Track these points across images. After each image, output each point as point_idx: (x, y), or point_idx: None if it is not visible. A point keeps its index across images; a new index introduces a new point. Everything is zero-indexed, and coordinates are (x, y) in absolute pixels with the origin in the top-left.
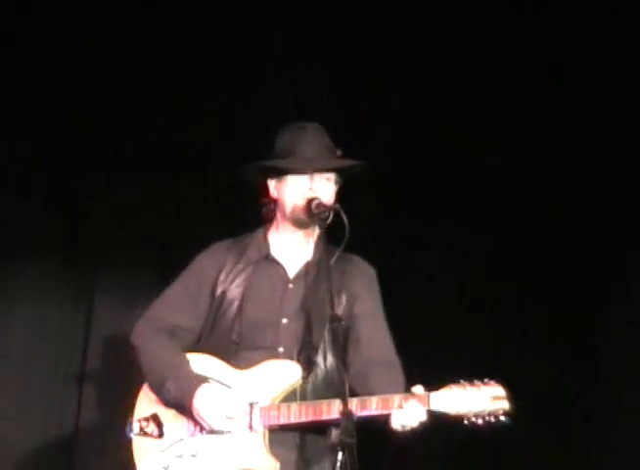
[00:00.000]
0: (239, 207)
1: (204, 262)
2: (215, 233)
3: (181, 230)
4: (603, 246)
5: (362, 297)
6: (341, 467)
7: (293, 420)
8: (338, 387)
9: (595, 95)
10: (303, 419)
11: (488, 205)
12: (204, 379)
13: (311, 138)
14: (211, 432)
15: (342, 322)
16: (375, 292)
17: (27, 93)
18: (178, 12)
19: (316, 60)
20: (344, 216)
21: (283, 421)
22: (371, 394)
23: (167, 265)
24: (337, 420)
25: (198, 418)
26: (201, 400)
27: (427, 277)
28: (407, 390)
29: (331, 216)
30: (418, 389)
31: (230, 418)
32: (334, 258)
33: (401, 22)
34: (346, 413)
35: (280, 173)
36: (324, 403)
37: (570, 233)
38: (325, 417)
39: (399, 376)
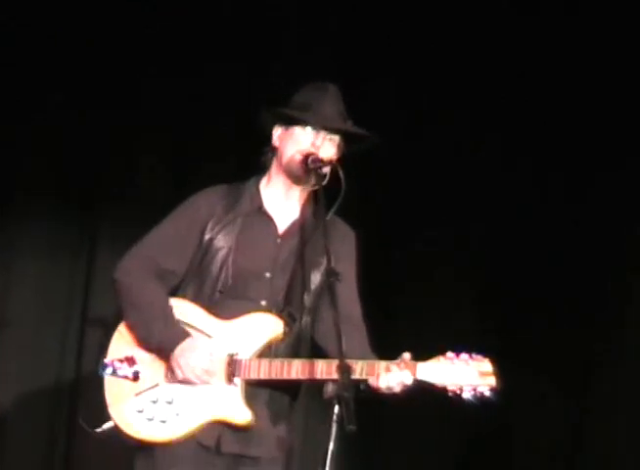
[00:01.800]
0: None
1: (198, 204)
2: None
3: (188, 180)
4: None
5: (341, 259)
6: (337, 421)
7: (274, 377)
8: (316, 343)
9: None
10: (293, 376)
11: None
12: (187, 333)
13: (329, 99)
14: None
15: (339, 277)
16: (353, 256)
17: None
18: None
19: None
20: (342, 174)
21: (263, 376)
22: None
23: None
24: (324, 381)
25: (177, 370)
26: (184, 354)
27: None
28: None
29: (328, 173)
30: (406, 355)
31: (210, 374)
32: (329, 214)
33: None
34: (343, 367)
35: (289, 123)
36: (320, 363)
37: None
38: (320, 377)
39: (365, 338)
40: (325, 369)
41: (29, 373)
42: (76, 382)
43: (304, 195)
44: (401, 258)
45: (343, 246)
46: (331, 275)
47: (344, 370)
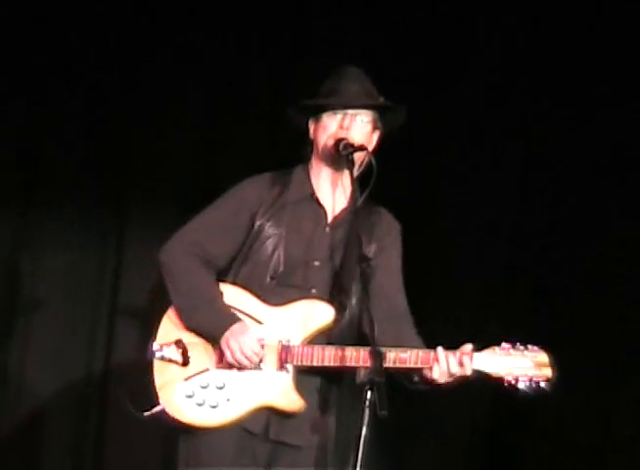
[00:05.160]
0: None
1: (247, 190)
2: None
3: (217, 179)
4: None
5: (387, 250)
6: (370, 406)
7: (327, 364)
8: (363, 331)
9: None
10: (346, 364)
11: None
12: (237, 317)
13: (350, 80)
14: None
15: (371, 262)
16: (398, 247)
17: None
18: None
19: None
20: (373, 160)
21: (316, 363)
22: (388, 345)
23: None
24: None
25: (227, 352)
26: (234, 336)
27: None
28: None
29: (358, 157)
30: (467, 347)
31: (259, 357)
32: (360, 200)
33: None
34: (376, 353)
35: (316, 113)
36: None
37: None
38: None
39: (412, 329)
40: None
41: (60, 361)
42: (106, 369)
43: (347, 180)
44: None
45: (388, 236)
46: (362, 261)
47: (377, 355)
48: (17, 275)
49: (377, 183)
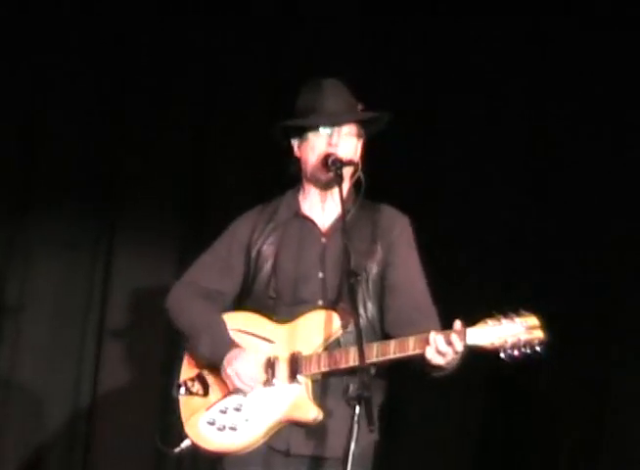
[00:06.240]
0: (267, 163)
1: (235, 227)
2: (242, 189)
3: (206, 185)
4: None
5: (395, 246)
6: (358, 421)
7: (334, 367)
8: (379, 335)
9: None
10: (351, 364)
11: None
12: (233, 342)
13: (328, 94)
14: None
15: (359, 278)
16: (409, 239)
17: None
18: None
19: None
20: (362, 174)
21: (324, 368)
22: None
23: (191, 220)
24: (386, 362)
25: (227, 381)
26: (231, 363)
27: None
28: None
29: (347, 171)
30: (457, 324)
31: (255, 381)
32: (349, 215)
33: None
34: (363, 367)
35: (300, 132)
36: (375, 345)
37: None
38: (377, 359)
39: (435, 323)
40: (380, 351)
41: (45, 376)
42: (94, 389)
43: (340, 196)
44: None
45: (393, 232)
46: (350, 276)
47: (364, 370)
48: (6, 278)
49: (377, 184)
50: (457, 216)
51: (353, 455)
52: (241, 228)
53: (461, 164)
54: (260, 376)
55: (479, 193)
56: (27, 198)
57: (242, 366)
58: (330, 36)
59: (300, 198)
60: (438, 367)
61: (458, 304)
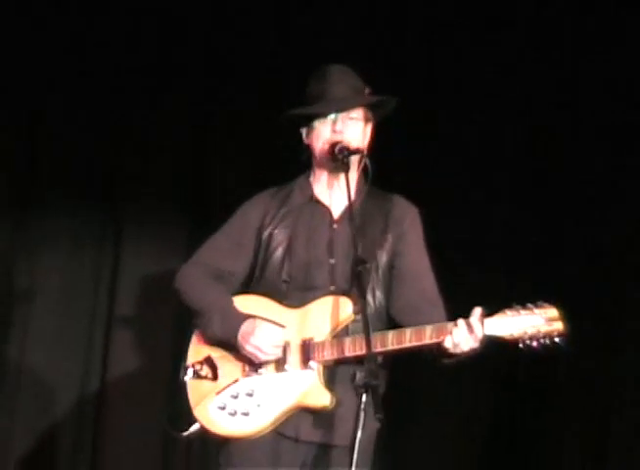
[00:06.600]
0: (267, 162)
1: (247, 209)
2: (249, 180)
3: (212, 176)
4: None
5: (406, 235)
6: (365, 409)
7: (346, 354)
8: (386, 323)
9: None
10: (359, 352)
11: None
12: (243, 315)
13: (333, 80)
14: (265, 367)
15: (367, 265)
16: (418, 231)
17: None
18: None
19: None
20: (368, 161)
21: (337, 355)
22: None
23: (197, 212)
24: (400, 350)
25: (245, 352)
26: (247, 339)
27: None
28: None
29: (355, 158)
30: (477, 311)
31: (277, 347)
32: (358, 202)
33: None
34: (370, 355)
35: (306, 120)
36: (391, 333)
37: None
38: (392, 347)
39: (442, 312)
40: (396, 339)
41: (55, 364)
42: (103, 377)
43: (352, 178)
44: None
45: (404, 222)
46: (358, 263)
47: (371, 358)
48: (13, 274)
49: (382, 179)
50: (457, 216)
51: (359, 442)
52: (252, 210)
53: (461, 165)
54: (280, 340)
55: (479, 193)
56: (32, 194)
57: (259, 339)
58: (330, 38)
59: (313, 183)
60: (452, 355)
61: (458, 303)
